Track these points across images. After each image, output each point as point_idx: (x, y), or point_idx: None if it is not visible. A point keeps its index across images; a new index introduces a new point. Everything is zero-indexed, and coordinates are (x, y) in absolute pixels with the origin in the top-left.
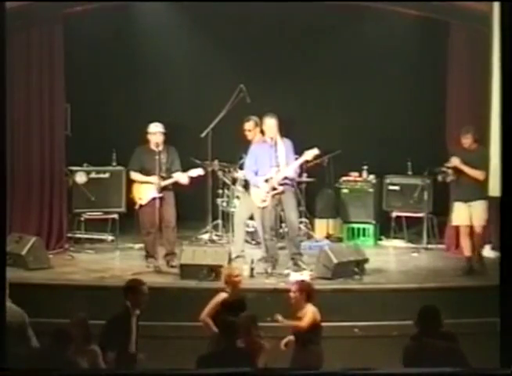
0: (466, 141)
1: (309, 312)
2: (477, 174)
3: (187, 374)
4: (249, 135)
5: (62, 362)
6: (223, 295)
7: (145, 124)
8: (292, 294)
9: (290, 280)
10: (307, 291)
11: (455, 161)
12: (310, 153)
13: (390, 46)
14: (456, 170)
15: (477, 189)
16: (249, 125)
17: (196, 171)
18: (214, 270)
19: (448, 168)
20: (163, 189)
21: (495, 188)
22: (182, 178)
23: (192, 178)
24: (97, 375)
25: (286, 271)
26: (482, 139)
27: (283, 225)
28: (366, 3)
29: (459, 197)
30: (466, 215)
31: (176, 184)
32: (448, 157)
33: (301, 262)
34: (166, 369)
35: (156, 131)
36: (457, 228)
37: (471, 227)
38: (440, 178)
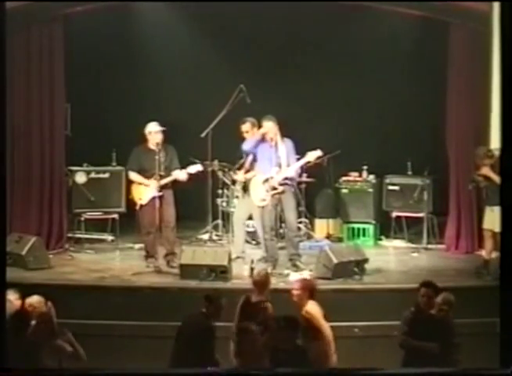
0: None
1: (315, 315)
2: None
3: (187, 374)
4: (247, 137)
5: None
6: (270, 306)
7: (145, 124)
8: (295, 292)
9: (290, 280)
10: (309, 289)
11: (484, 170)
12: (313, 155)
13: (390, 46)
14: (486, 177)
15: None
16: (246, 127)
17: (195, 168)
18: (213, 270)
19: (479, 175)
20: (162, 187)
21: None
22: (181, 175)
23: (191, 176)
24: (97, 375)
25: (286, 271)
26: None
27: (283, 225)
28: (366, 3)
29: (486, 202)
30: (490, 219)
31: (176, 182)
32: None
33: (300, 262)
34: (166, 369)
35: (154, 131)
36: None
37: (492, 231)
38: (470, 186)
